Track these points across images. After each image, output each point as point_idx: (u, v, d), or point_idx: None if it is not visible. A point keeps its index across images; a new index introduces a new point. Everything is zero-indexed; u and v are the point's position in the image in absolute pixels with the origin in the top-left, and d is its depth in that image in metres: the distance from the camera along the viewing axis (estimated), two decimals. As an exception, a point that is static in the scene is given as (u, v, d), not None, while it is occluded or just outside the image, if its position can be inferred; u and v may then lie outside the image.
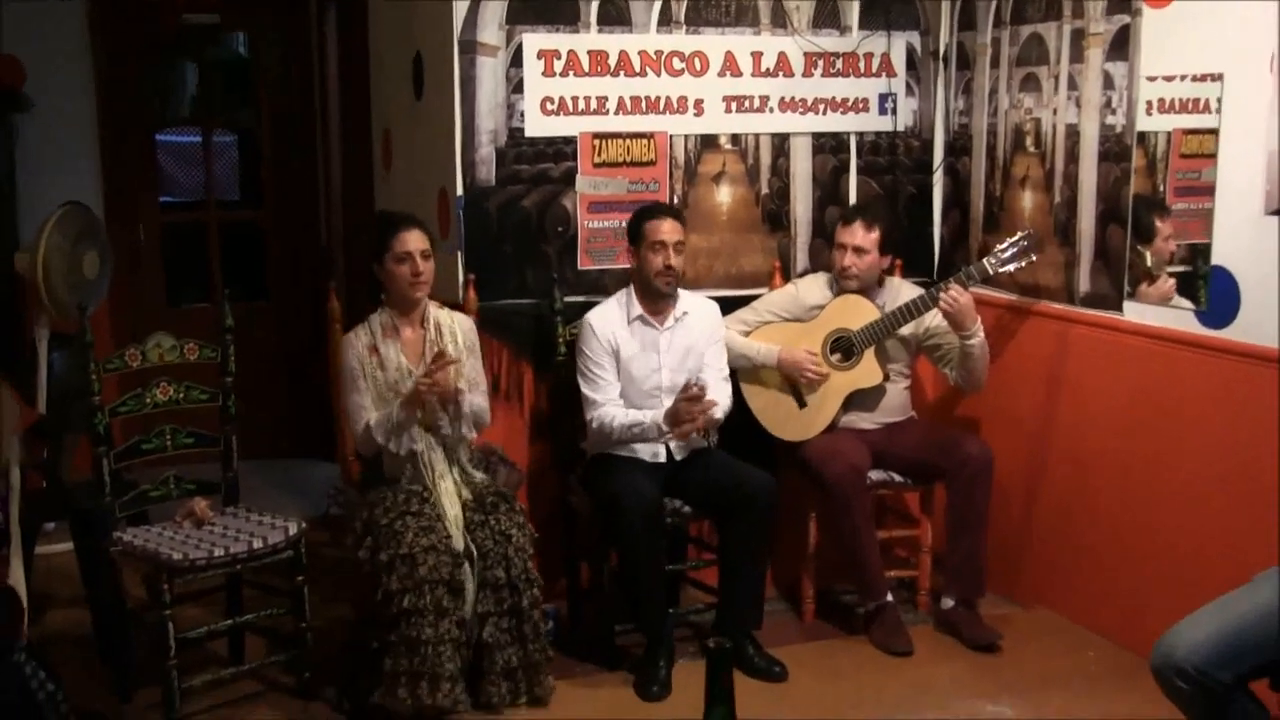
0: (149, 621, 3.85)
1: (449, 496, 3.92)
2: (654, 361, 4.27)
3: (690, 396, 4.03)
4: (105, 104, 5.95)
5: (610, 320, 4.26)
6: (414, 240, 3.98)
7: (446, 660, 3.70)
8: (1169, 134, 4.08)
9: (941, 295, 4.28)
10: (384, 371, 4.00)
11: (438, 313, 4.11)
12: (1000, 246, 4.43)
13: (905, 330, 4.49)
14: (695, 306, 4.37)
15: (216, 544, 3.82)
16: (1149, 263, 4.18)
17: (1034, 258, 4.41)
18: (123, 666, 4.02)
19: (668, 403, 4.21)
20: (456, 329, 4.11)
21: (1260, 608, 2.86)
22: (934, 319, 4.46)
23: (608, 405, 4.20)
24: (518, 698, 3.87)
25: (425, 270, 3.99)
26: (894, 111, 4.98)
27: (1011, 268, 4.41)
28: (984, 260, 4.42)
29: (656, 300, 4.26)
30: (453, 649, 3.72)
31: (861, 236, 4.45)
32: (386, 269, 4.00)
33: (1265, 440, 3.71)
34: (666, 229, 4.20)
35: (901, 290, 4.59)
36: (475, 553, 3.81)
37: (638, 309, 4.27)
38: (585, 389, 4.24)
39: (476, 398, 4.06)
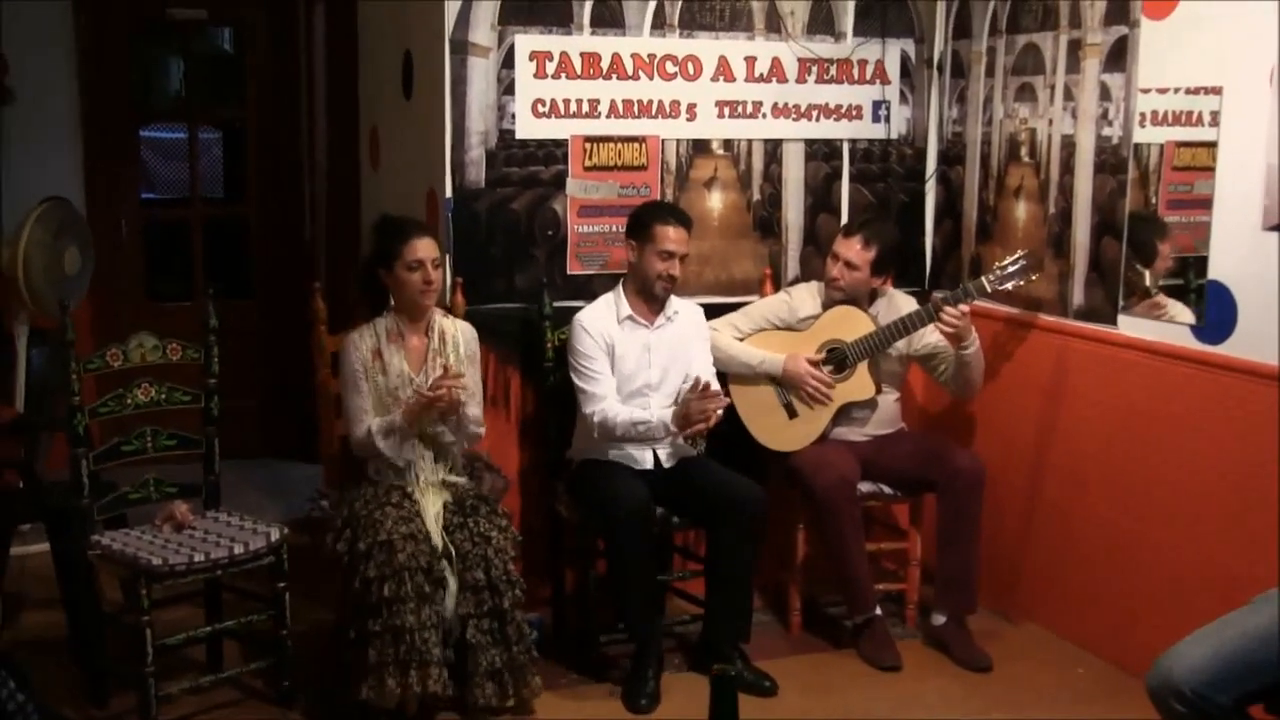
0: (126, 625, 3.78)
1: (431, 498, 3.89)
2: (643, 360, 4.24)
3: (702, 395, 3.99)
4: (88, 98, 5.88)
5: (601, 319, 4.22)
6: (426, 248, 3.93)
7: (433, 646, 3.66)
8: (1162, 147, 4.06)
9: (940, 317, 4.22)
10: (385, 376, 3.95)
11: (443, 321, 4.07)
12: (999, 264, 4.37)
13: (899, 344, 4.44)
14: (683, 307, 4.35)
15: (197, 549, 3.75)
16: (1148, 281, 4.15)
17: (1033, 277, 4.36)
18: (98, 672, 3.95)
19: (655, 400, 4.20)
20: (459, 338, 4.07)
21: (1261, 630, 2.82)
22: (929, 333, 4.42)
23: (609, 400, 4.16)
24: (505, 700, 3.82)
25: (436, 279, 3.95)
26: (887, 119, 4.94)
27: (1009, 285, 4.36)
28: (982, 278, 4.37)
29: (649, 300, 4.22)
30: (437, 635, 3.68)
31: (856, 252, 4.40)
32: (396, 276, 3.94)
33: (1262, 458, 3.68)
34: (676, 237, 4.15)
35: (897, 302, 4.55)
36: (454, 553, 3.76)
37: (627, 309, 4.23)
38: (582, 384, 4.19)
39: (473, 408, 4.02)
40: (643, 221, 4.20)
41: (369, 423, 3.92)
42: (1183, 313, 3.99)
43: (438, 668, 3.67)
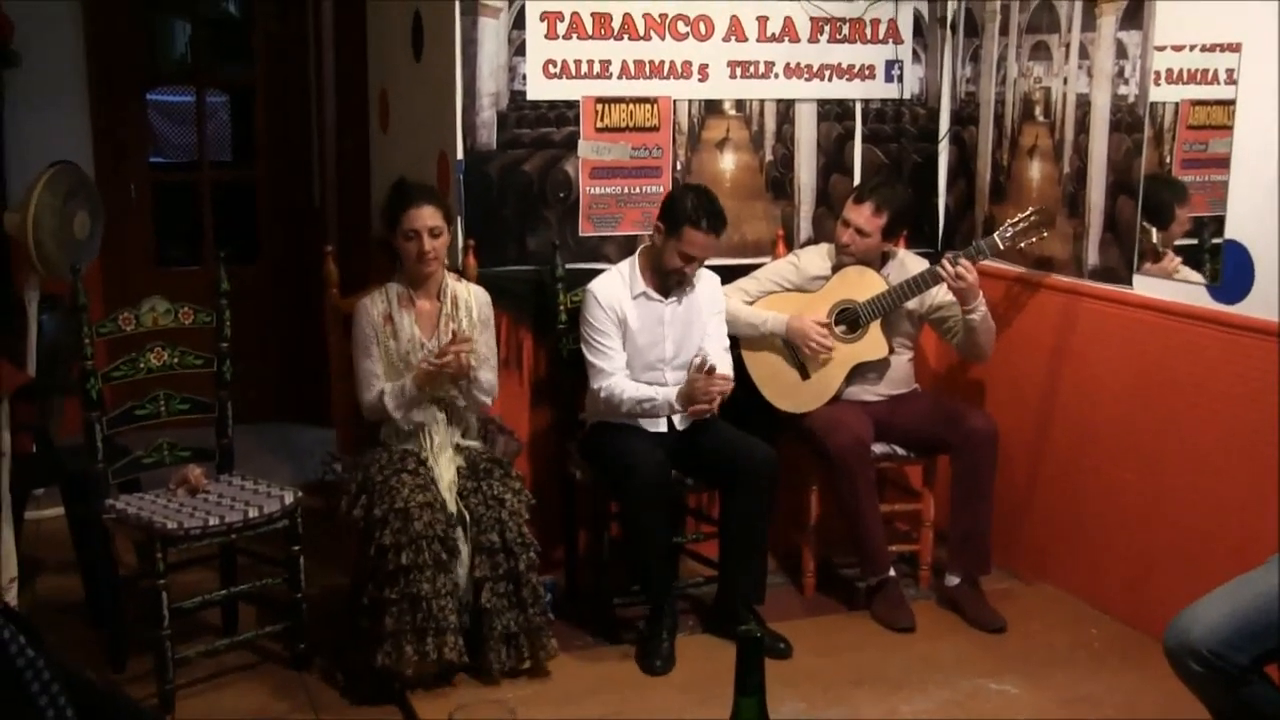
0: (142, 589, 3.79)
1: (445, 464, 3.88)
2: (658, 334, 4.21)
3: (707, 376, 3.95)
4: (94, 60, 5.84)
5: (614, 292, 4.18)
6: (422, 218, 3.90)
7: (450, 613, 3.67)
8: (1176, 105, 4.02)
9: (947, 272, 4.21)
10: (396, 341, 3.95)
11: (455, 285, 4.06)
12: (1010, 221, 4.36)
13: (911, 303, 4.43)
14: (700, 276, 4.30)
15: (211, 512, 3.76)
16: (1154, 239, 4.13)
17: (1045, 234, 4.35)
18: (114, 635, 3.96)
19: (670, 375, 4.17)
20: (472, 303, 4.06)
21: (1278, 589, 2.82)
22: (940, 292, 4.40)
23: (617, 375, 4.14)
24: (520, 663, 3.84)
25: (434, 248, 3.92)
26: (900, 79, 4.90)
27: (1021, 243, 4.34)
28: (993, 235, 4.35)
29: (664, 278, 4.19)
30: (453, 602, 3.69)
31: (867, 219, 4.37)
32: (398, 242, 3.94)
33: (1276, 417, 3.66)
34: (703, 244, 4.08)
35: (908, 263, 4.53)
36: (468, 518, 3.76)
37: (642, 284, 4.20)
38: (592, 358, 4.17)
39: (486, 373, 4.01)
40: (675, 216, 4.07)
41: (380, 386, 3.93)
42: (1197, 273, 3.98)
43: (454, 635, 3.68)
